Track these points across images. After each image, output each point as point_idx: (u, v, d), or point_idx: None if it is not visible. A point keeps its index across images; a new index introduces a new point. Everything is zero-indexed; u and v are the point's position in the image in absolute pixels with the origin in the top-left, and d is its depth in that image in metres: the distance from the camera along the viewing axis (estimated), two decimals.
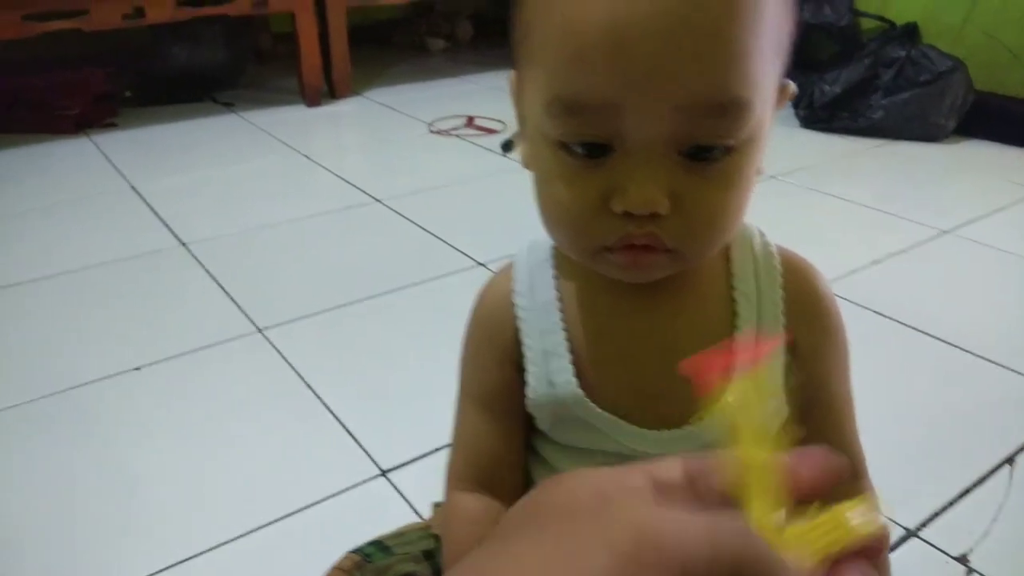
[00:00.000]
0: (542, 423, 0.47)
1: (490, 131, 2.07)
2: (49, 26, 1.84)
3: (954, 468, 0.89)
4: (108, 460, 0.90)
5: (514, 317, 0.47)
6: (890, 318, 1.19)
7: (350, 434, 0.94)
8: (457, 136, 2.06)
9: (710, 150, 0.36)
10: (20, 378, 1.05)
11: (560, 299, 0.47)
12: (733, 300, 0.45)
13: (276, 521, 0.81)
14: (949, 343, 1.13)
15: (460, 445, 0.51)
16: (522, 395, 0.47)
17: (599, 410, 0.44)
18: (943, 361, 1.09)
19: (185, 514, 0.83)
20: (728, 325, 0.45)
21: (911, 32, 2.08)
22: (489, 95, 2.45)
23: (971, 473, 0.88)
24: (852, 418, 0.49)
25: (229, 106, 2.31)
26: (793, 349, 0.45)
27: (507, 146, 1.93)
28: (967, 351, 1.11)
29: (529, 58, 0.39)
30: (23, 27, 1.81)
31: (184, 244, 1.44)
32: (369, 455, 0.91)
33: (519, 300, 0.48)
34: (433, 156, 1.94)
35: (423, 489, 0.85)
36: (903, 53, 2.00)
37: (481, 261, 1.37)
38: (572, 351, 0.45)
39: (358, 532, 0.61)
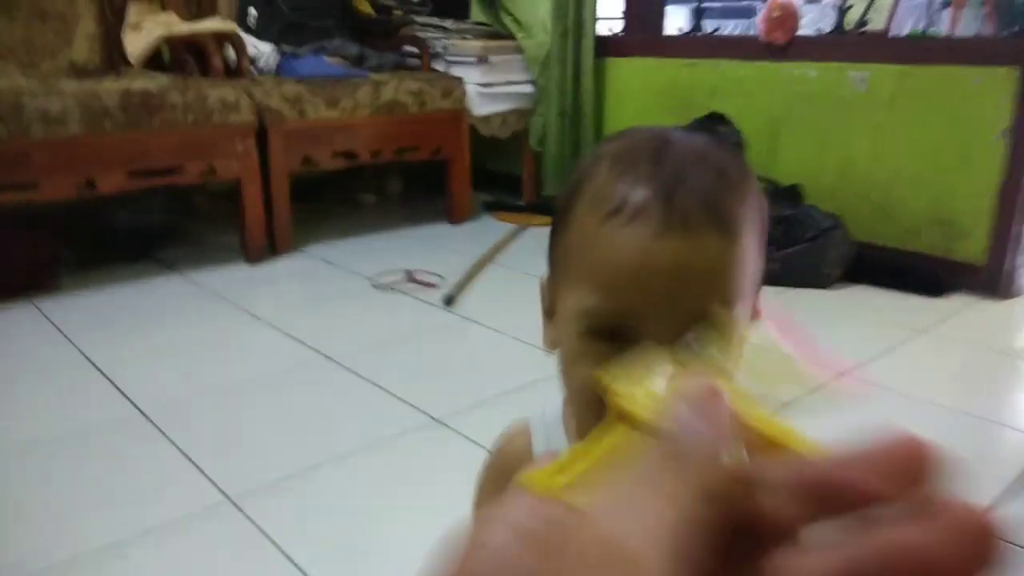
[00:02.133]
0: None
1: (430, 284, 2.21)
2: (3, 198, 1.90)
3: None
4: None
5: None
6: None
7: None
8: (400, 291, 2.18)
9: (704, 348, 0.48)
10: None
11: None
12: None
13: None
14: None
15: None
16: None
17: None
18: None
19: None
20: None
21: (795, 193, 2.39)
22: (423, 248, 2.62)
23: None
24: None
25: (169, 266, 2.38)
26: None
27: (449, 300, 2.07)
28: None
29: (568, 274, 0.51)
30: None
31: (143, 413, 1.48)
32: None
33: (537, 454, 0.57)
34: (378, 311, 2.06)
35: None
36: (791, 211, 2.29)
37: (436, 417, 1.46)
38: None
39: None
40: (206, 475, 1.27)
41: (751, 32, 3.57)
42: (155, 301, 2.10)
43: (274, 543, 1.10)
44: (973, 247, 2.19)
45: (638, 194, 0.47)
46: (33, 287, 2.10)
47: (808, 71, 2.42)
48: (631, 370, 0.25)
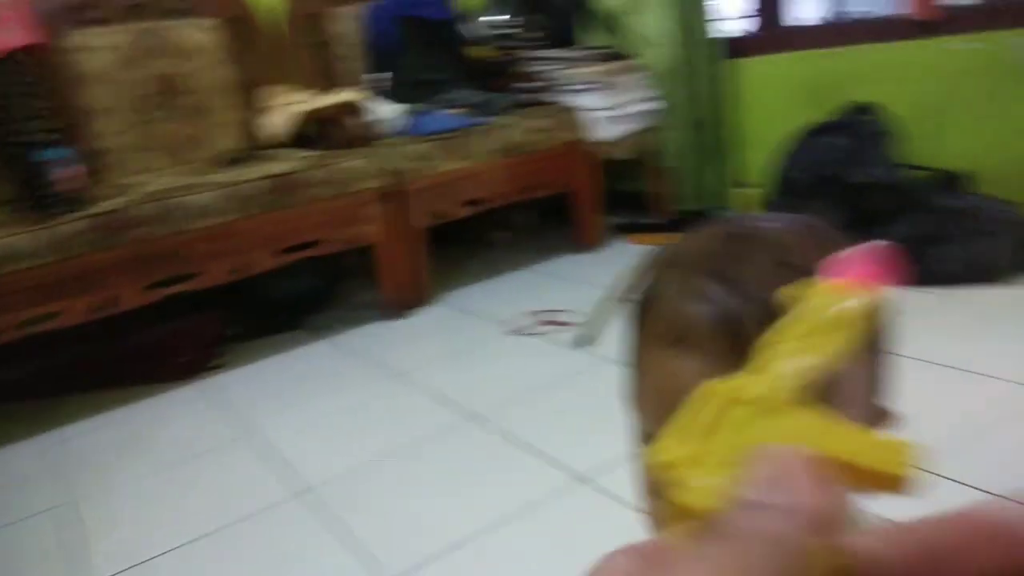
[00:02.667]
0: None
1: (564, 323, 2.18)
2: (167, 291, 2.07)
3: None
4: None
5: None
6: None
7: None
8: (536, 335, 2.17)
9: None
10: None
11: None
12: None
13: None
14: None
15: None
16: None
17: None
18: None
19: None
20: None
21: (962, 181, 2.14)
22: (554, 283, 2.60)
23: None
24: None
25: (316, 331, 2.48)
26: None
27: (582, 341, 2.02)
28: None
29: (631, 391, 0.50)
30: (145, 295, 2.05)
31: (299, 494, 1.54)
32: None
33: None
34: (514, 360, 2.05)
35: None
36: (960, 203, 2.06)
37: (582, 474, 1.42)
38: None
39: None
40: (363, 556, 1.30)
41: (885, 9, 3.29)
42: (307, 368, 2.21)
43: None
44: None
45: (705, 319, 0.44)
46: (201, 367, 2.25)
47: (964, 44, 2.17)
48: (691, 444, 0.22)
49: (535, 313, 2.28)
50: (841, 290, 0.24)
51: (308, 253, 2.30)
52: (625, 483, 1.33)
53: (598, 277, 2.54)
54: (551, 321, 2.22)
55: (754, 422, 0.22)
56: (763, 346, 0.24)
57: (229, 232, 2.15)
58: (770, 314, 0.40)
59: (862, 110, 2.45)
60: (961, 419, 1.41)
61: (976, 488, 1.21)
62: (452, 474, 1.54)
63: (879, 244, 0.25)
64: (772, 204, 2.63)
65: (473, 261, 3.01)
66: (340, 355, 2.28)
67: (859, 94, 2.44)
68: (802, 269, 0.41)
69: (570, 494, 1.39)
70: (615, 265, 2.62)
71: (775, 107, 2.77)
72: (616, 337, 2.00)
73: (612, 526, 1.28)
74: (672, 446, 0.22)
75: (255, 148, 2.65)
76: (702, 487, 0.21)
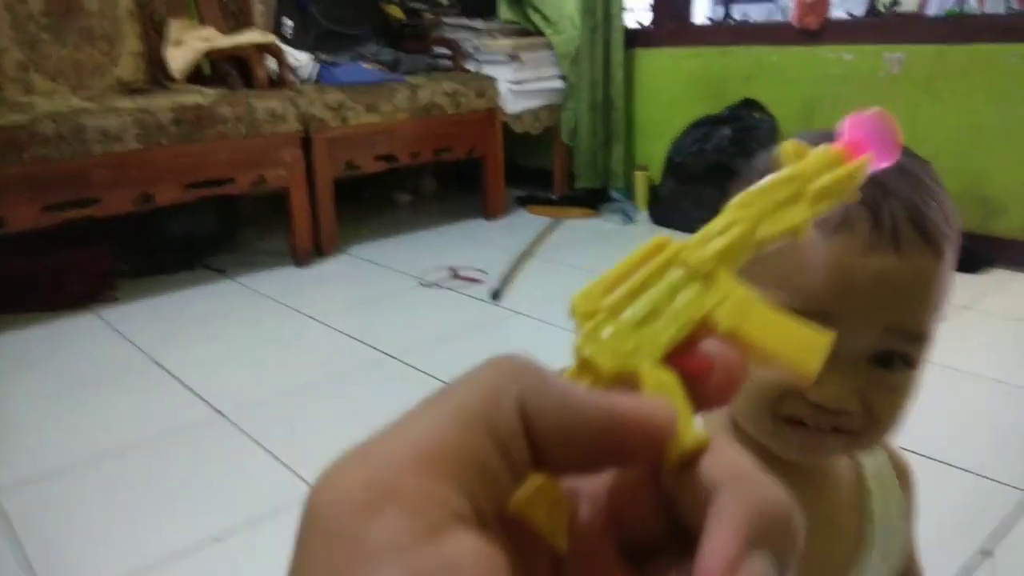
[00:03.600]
0: None
1: (474, 280, 2.27)
2: (66, 215, 1.98)
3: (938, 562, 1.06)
4: None
5: None
6: None
7: None
8: (446, 288, 2.24)
9: (893, 361, 0.47)
10: (97, 563, 1.13)
11: None
12: (866, 488, 0.57)
13: None
14: (909, 450, 1.32)
15: None
16: None
17: None
18: None
19: None
20: (862, 502, 0.57)
21: None
22: (463, 244, 2.68)
23: (952, 566, 1.05)
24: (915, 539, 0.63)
25: (221, 272, 2.45)
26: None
27: (496, 295, 2.12)
28: (920, 454, 1.30)
29: (752, 279, 0.51)
30: (42, 217, 1.95)
31: (221, 413, 1.55)
32: None
33: None
34: (428, 308, 2.12)
35: None
36: None
37: None
38: None
39: None
40: (292, 469, 1.33)
41: (775, 16, 3.59)
42: (212, 306, 2.18)
43: None
44: (1011, 222, 2.21)
45: (848, 207, 0.45)
46: (93, 298, 2.18)
47: (843, 54, 2.44)
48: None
49: (445, 269, 2.35)
50: (834, 158, 0.23)
51: (218, 191, 2.26)
52: None
53: (503, 241, 2.65)
54: (463, 276, 2.31)
55: (685, 286, 0.21)
56: (732, 206, 0.23)
57: (135, 161, 2.08)
58: (907, 205, 0.45)
59: (749, 105, 2.70)
60: None
61: None
62: (371, 404, 1.59)
63: (882, 114, 0.25)
64: (662, 187, 2.84)
65: (378, 220, 3.04)
66: (246, 296, 2.26)
67: (748, 91, 2.67)
68: (916, 177, 0.47)
69: None
70: (519, 232, 2.74)
71: (670, 97, 2.98)
72: (525, 293, 2.11)
73: None
74: (597, 292, 0.21)
75: (157, 81, 2.56)
76: (606, 344, 0.20)
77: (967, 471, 1.27)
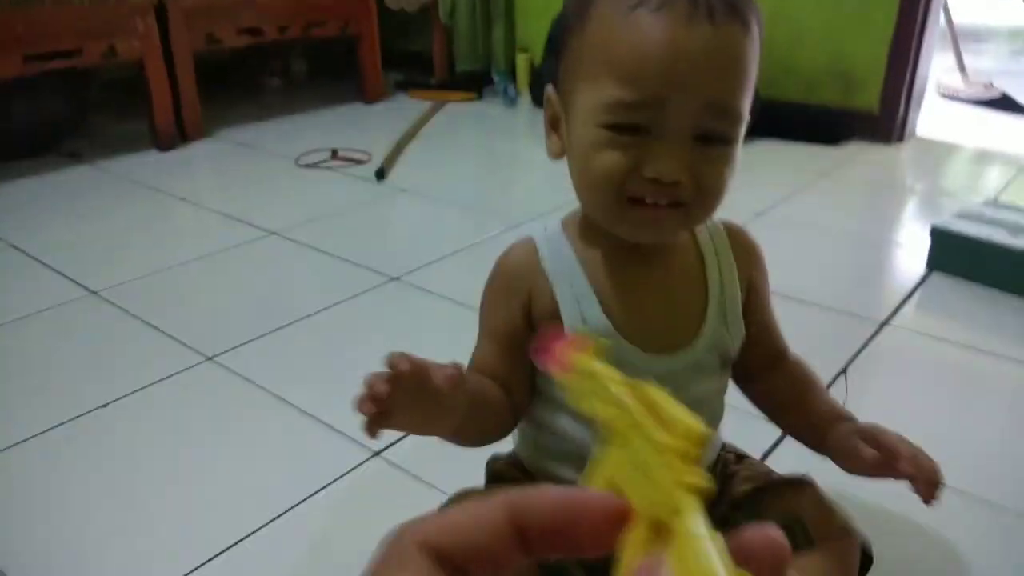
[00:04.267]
0: None
1: (357, 161, 2.20)
2: None
3: None
4: (112, 488, 0.96)
5: (539, 274, 0.63)
6: None
7: (331, 427, 1.06)
8: (327, 168, 2.17)
9: (714, 140, 0.54)
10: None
11: (580, 261, 0.63)
12: (702, 257, 0.65)
13: (280, 516, 0.92)
14: (779, 294, 1.43)
15: (473, 368, 0.65)
16: (530, 337, 0.60)
17: (624, 340, 0.61)
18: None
19: (192, 520, 0.91)
20: (701, 275, 0.64)
21: None
22: (342, 127, 2.58)
23: None
24: (775, 319, 0.72)
25: (75, 157, 2.26)
26: (747, 286, 0.67)
27: (380, 174, 2.07)
28: (789, 297, 1.42)
29: (586, 72, 0.55)
30: None
31: (95, 292, 1.45)
32: (357, 440, 1.03)
33: (545, 263, 0.63)
34: (309, 188, 2.05)
35: (421, 460, 0.99)
36: None
37: (395, 275, 1.51)
38: (598, 295, 0.61)
39: (364, 514, 0.74)
40: (179, 340, 1.28)
41: None
42: (70, 191, 2.01)
43: (262, 388, 1.15)
44: (868, 97, 2.36)
45: None
46: None
47: None
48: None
49: (325, 150, 2.26)
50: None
51: (64, 64, 2.04)
52: (440, 281, 1.46)
53: (384, 124, 2.57)
54: (344, 157, 2.23)
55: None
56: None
57: None
58: None
59: None
60: None
61: None
62: (255, 279, 1.54)
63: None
64: (544, 68, 2.82)
65: (247, 104, 2.86)
66: (107, 179, 2.10)
67: None
68: None
69: (384, 291, 1.47)
70: (400, 115, 2.66)
71: None
72: (409, 172, 2.09)
73: (428, 312, 1.40)
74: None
75: None
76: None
77: (825, 307, 1.39)
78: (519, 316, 0.64)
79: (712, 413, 0.68)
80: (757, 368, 0.71)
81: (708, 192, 0.55)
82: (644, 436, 0.21)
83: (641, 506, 0.20)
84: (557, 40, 0.60)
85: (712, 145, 0.54)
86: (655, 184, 0.53)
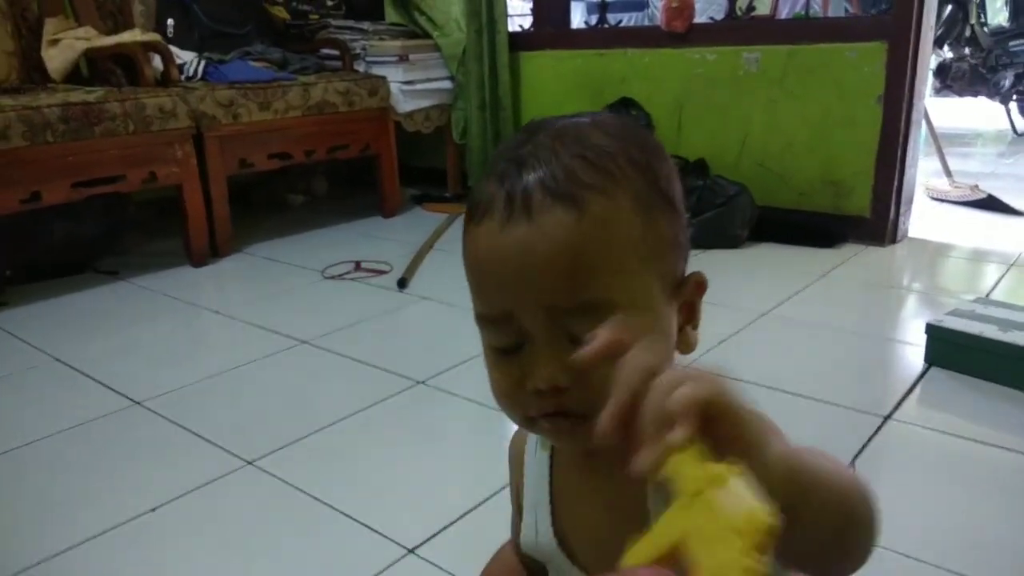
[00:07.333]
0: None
1: (379, 272, 2.33)
2: None
3: None
4: None
5: (522, 467, 0.59)
6: (735, 379, 1.56)
7: (366, 525, 1.12)
8: (351, 279, 2.29)
9: (581, 338, 0.40)
10: (34, 535, 1.12)
11: (555, 463, 0.56)
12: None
13: None
14: (786, 391, 1.51)
15: (513, 519, 0.63)
16: None
17: (567, 560, 0.54)
18: (783, 405, 1.47)
19: None
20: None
21: (702, 166, 2.64)
22: (362, 241, 2.73)
23: None
24: (776, 433, 0.48)
25: (113, 274, 2.39)
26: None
27: (402, 283, 2.19)
28: (795, 394, 1.49)
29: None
30: None
31: (138, 403, 1.54)
32: (390, 538, 1.09)
33: (527, 456, 0.58)
34: (336, 298, 2.16)
35: (454, 555, 1.05)
36: (700, 183, 2.54)
37: (420, 380, 1.60)
38: (552, 503, 0.54)
39: None
40: (220, 446, 1.36)
41: (645, 22, 3.86)
42: (109, 305, 2.13)
43: (300, 490, 1.22)
44: (859, 202, 2.50)
45: (488, 189, 0.46)
46: None
47: (706, 55, 2.68)
48: None
49: (348, 262, 2.39)
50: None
51: (108, 189, 2.21)
52: (466, 384, 1.54)
53: (402, 236, 2.72)
54: (367, 268, 2.36)
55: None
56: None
57: (21, 159, 2.01)
58: (543, 171, 0.44)
59: (626, 103, 2.90)
60: (715, 335, 1.81)
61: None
62: (291, 386, 1.63)
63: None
64: None
65: (272, 221, 3.03)
66: (143, 295, 2.22)
67: (624, 90, 2.87)
68: (577, 139, 0.46)
69: (411, 394, 1.55)
70: (417, 228, 2.82)
71: (553, 96, 3.14)
72: (428, 280, 2.21)
73: (455, 415, 1.48)
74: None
75: (33, 81, 2.47)
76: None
77: (829, 403, 1.47)
78: (520, 501, 0.60)
79: None
80: None
81: (596, 392, 0.40)
82: (713, 509, 0.24)
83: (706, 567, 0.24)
84: None
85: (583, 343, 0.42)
86: (539, 395, 0.46)
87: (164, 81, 2.43)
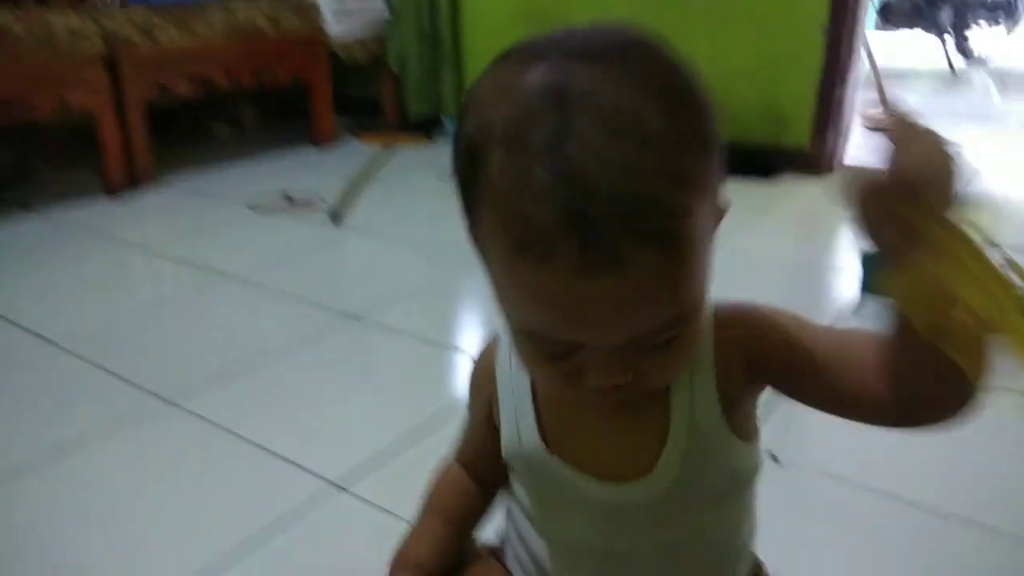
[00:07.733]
0: (514, 473, 0.58)
1: (311, 205, 2.24)
2: None
3: None
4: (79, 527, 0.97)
5: (493, 380, 0.57)
6: None
7: (293, 462, 1.08)
8: (281, 212, 2.20)
9: (655, 346, 0.43)
10: None
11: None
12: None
13: (245, 550, 0.94)
14: None
15: (465, 437, 0.64)
16: (499, 446, 0.56)
17: (560, 463, 0.53)
18: None
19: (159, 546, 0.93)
20: (664, 398, 0.50)
21: None
22: (293, 171, 2.61)
23: None
24: (815, 330, 0.51)
25: (25, 207, 2.24)
26: (749, 373, 0.51)
27: (336, 217, 2.11)
28: None
29: (494, 279, 0.44)
30: None
31: (53, 343, 1.45)
32: (319, 475, 1.06)
33: (498, 369, 0.57)
34: (264, 232, 2.07)
35: (388, 492, 1.02)
36: None
37: (356, 314, 1.55)
38: (537, 411, 0.54)
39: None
40: (140, 386, 1.29)
41: None
42: (22, 240, 2.00)
43: (224, 428, 1.17)
44: (799, 134, 2.50)
45: (545, 219, 0.37)
46: None
47: None
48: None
49: (277, 194, 2.29)
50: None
51: (14, 117, 2.05)
52: (395, 318, 1.50)
53: (336, 168, 2.61)
54: (298, 201, 2.26)
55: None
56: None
57: None
58: (620, 201, 0.36)
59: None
60: None
61: None
62: (218, 321, 1.56)
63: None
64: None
65: (197, 151, 2.88)
66: (59, 230, 2.09)
67: (568, 15, 2.78)
68: (637, 135, 0.37)
69: (351, 331, 1.50)
70: (352, 159, 2.71)
71: (494, 24, 3.02)
72: (366, 214, 2.12)
73: (384, 348, 1.43)
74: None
75: None
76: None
77: None
78: (487, 417, 0.58)
79: (724, 545, 0.57)
80: (852, 391, 0.48)
81: (660, 378, 0.47)
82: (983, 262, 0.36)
83: (967, 294, 0.35)
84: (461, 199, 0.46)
85: (655, 349, 0.44)
86: (595, 389, 0.45)
87: (78, 0, 2.24)
